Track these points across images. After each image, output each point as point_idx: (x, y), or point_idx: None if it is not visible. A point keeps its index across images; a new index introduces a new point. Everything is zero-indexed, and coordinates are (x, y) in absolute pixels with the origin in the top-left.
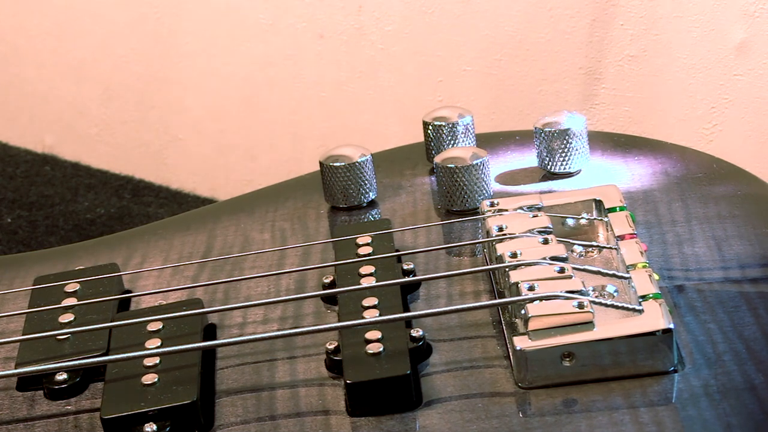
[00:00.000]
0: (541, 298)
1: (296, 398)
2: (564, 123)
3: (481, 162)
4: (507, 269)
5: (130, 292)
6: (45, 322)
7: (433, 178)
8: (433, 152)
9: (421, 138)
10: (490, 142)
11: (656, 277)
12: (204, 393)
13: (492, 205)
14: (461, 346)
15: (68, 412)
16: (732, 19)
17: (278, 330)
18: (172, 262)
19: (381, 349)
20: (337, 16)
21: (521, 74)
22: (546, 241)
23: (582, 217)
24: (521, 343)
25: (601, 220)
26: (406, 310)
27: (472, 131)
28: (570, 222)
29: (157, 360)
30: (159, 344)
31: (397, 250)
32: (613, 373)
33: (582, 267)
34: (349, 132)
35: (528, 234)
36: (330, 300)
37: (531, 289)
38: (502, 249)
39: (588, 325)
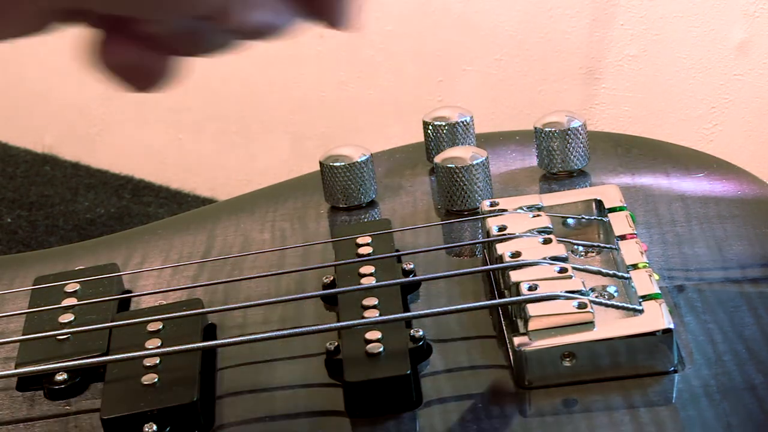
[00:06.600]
0: (541, 298)
1: (296, 398)
2: (564, 123)
3: (481, 162)
4: (507, 269)
5: (130, 292)
6: (45, 322)
7: (433, 178)
8: (433, 152)
9: (421, 138)
10: (490, 142)
11: (656, 277)
12: (204, 393)
13: (492, 205)
14: (461, 346)
15: (68, 413)
16: (732, 19)
17: (278, 330)
18: (172, 262)
19: (381, 349)
20: None
21: (521, 74)
22: (546, 241)
23: (582, 217)
24: (521, 343)
25: (601, 220)
26: (406, 310)
27: (472, 131)
28: (570, 222)
29: (157, 360)
30: (159, 344)
31: (397, 250)
32: (613, 373)
33: (582, 267)
34: (349, 132)
35: (528, 234)
36: (330, 300)
37: (531, 289)
38: (503, 249)
39: (588, 325)
